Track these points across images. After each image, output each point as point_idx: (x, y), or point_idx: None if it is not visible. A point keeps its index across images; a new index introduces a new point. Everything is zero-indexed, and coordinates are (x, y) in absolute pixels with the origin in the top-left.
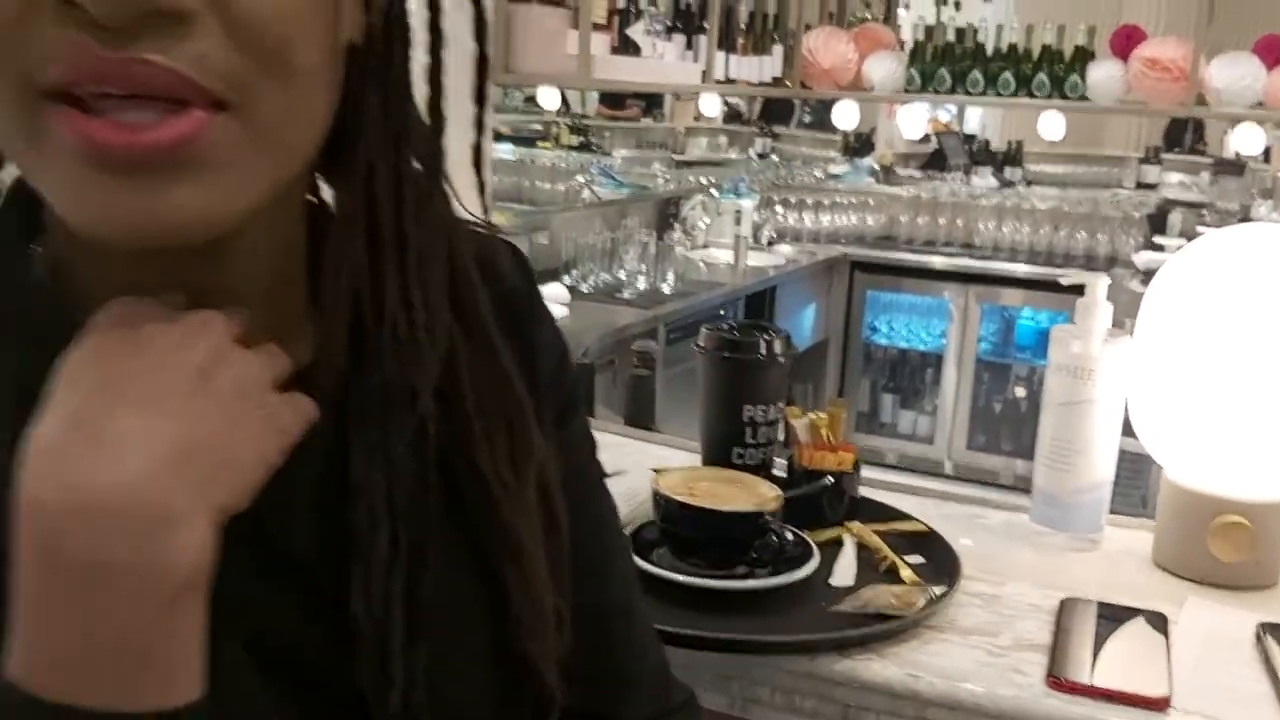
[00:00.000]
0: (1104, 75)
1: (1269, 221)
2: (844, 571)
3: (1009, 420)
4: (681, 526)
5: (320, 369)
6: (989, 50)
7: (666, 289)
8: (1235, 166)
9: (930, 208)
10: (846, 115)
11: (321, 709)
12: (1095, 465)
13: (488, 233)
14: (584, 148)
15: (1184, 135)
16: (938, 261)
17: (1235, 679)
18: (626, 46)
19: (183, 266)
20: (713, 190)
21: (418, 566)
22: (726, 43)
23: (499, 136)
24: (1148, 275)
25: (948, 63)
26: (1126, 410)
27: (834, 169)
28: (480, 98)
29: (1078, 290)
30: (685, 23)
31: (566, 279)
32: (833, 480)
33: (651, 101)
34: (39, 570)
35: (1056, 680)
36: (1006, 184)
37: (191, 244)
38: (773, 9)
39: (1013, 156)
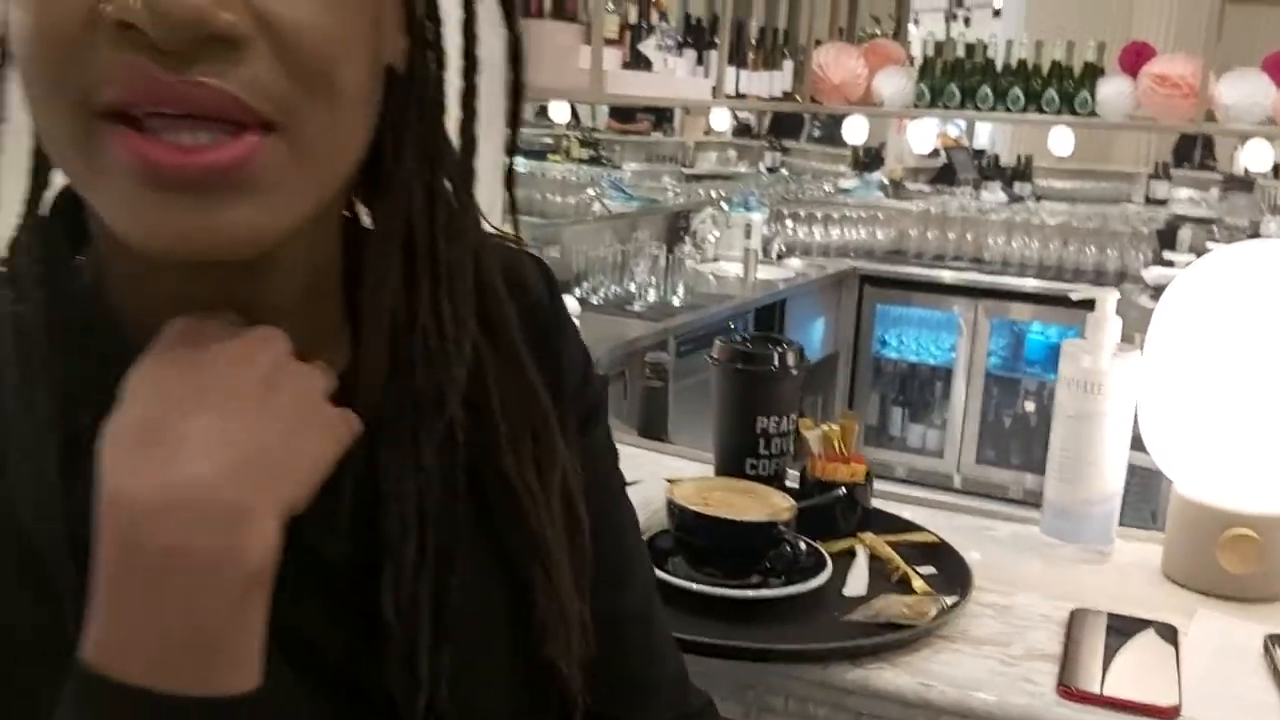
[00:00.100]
0: (1113, 91)
1: (1278, 238)
2: (856, 581)
3: (1018, 435)
4: (696, 536)
5: (360, 382)
6: (998, 66)
7: (676, 302)
8: (1245, 183)
9: (940, 222)
10: (856, 130)
11: (352, 710)
12: (1105, 478)
13: (515, 247)
14: (594, 161)
15: (1193, 151)
16: (947, 276)
17: (1244, 689)
18: (638, 62)
19: (226, 280)
20: (722, 204)
21: (445, 571)
22: (737, 58)
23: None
24: (1157, 291)
25: (957, 78)
26: (1137, 424)
27: (843, 183)
28: (514, 121)
29: (1087, 305)
30: (696, 38)
31: (577, 291)
32: (845, 491)
33: (661, 115)
34: (120, 561)
35: (1067, 689)
36: (1016, 199)
37: (237, 259)
38: (783, 24)
39: (1022, 172)
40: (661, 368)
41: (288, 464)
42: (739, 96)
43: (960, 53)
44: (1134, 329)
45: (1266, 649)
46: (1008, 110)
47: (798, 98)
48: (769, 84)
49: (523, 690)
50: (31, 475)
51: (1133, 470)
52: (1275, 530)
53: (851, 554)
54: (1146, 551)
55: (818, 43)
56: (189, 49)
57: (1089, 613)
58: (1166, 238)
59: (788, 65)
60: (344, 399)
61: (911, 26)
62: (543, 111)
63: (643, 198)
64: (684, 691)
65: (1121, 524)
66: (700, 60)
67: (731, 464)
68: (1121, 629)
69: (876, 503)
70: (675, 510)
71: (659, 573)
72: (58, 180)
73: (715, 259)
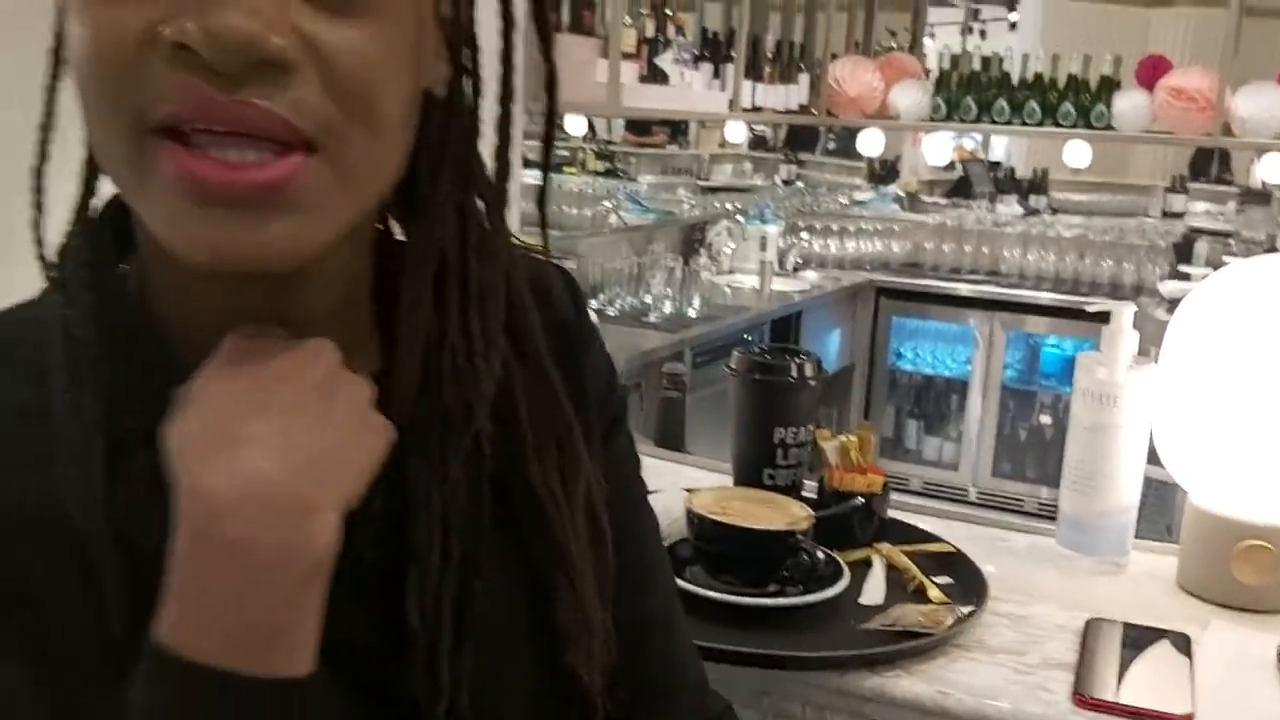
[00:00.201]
0: (1130, 105)
1: None
2: (873, 590)
3: (1034, 447)
4: (715, 544)
5: (395, 397)
6: (1014, 79)
7: (692, 313)
8: (1261, 196)
9: (955, 235)
10: (872, 142)
11: (378, 712)
12: (1120, 489)
13: (542, 258)
14: (610, 174)
15: (1210, 164)
16: (963, 288)
17: (1258, 699)
18: (655, 75)
19: (264, 291)
20: (738, 216)
21: (469, 577)
22: (753, 71)
23: (526, 163)
24: (1173, 304)
25: (973, 91)
26: (1153, 438)
27: (859, 196)
28: (547, 145)
29: (1103, 318)
30: (713, 52)
31: (593, 303)
32: (862, 501)
33: (676, 128)
34: (196, 551)
35: (1082, 698)
36: (1032, 212)
37: (276, 272)
38: (799, 38)
39: (1038, 184)
40: (679, 379)
41: (345, 464)
42: (755, 110)
43: (976, 66)
44: (1150, 342)
45: None
46: (1024, 123)
47: (813, 111)
48: (785, 97)
49: (544, 697)
50: (79, 475)
51: (1149, 483)
52: None
53: (868, 564)
54: (1162, 563)
55: (834, 56)
56: (240, 71)
57: (1104, 623)
58: (1183, 251)
59: (804, 78)
60: (377, 406)
61: (927, 40)
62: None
63: (659, 210)
64: (704, 697)
65: (1137, 537)
66: (716, 74)
67: (749, 474)
68: (1136, 639)
69: (893, 514)
70: (694, 519)
71: (678, 580)
72: (105, 189)
73: (731, 271)
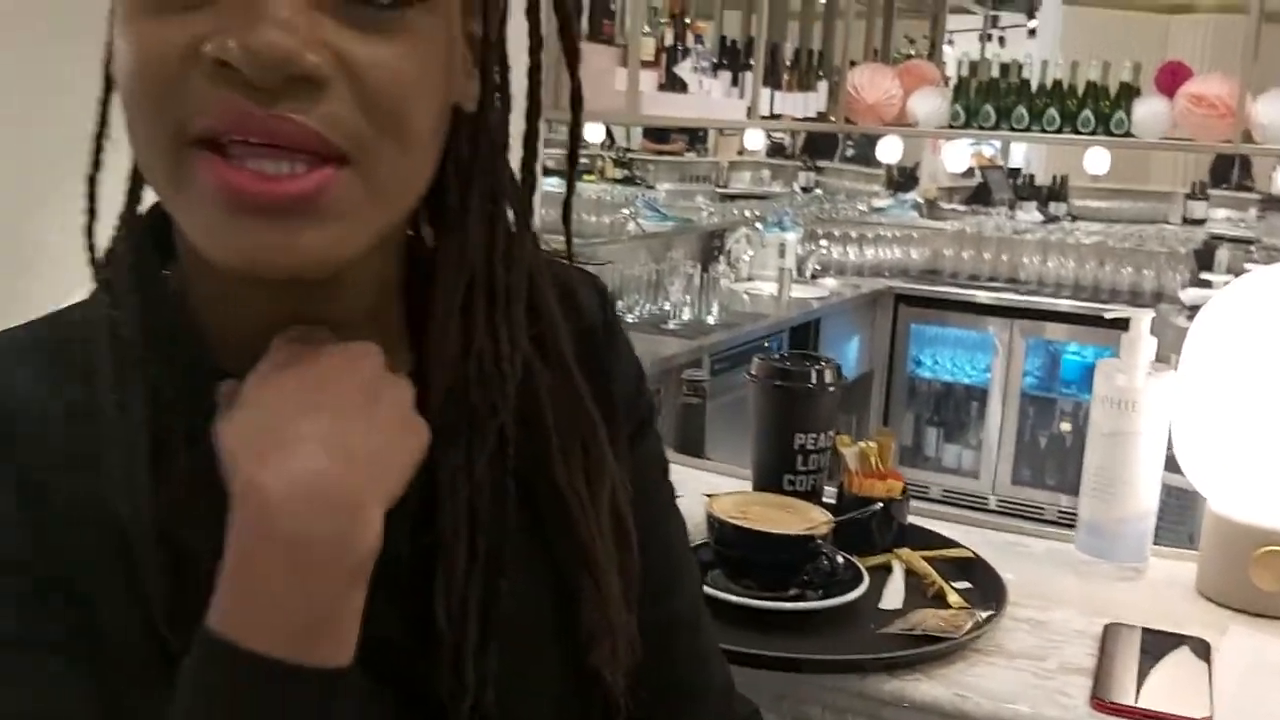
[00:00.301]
0: (1150, 112)
1: None
2: (893, 595)
3: (1054, 455)
4: (735, 548)
5: (426, 398)
6: (1034, 86)
7: (711, 320)
8: None
9: (975, 242)
10: (890, 150)
11: (406, 709)
12: (1139, 495)
13: (572, 264)
14: (628, 181)
15: (1231, 171)
16: (982, 296)
17: (1276, 705)
18: (673, 84)
19: (299, 297)
20: (757, 223)
21: (495, 576)
22: (772, 79)
23: (545, 171)
24: (1194, 311)
25: (992, 99)
26: (1174, 445)
27: (878, 203)
28: (572, 160)
29: (1122, 325)
30: (731, 60)
31: None
32: (881, 506)
33: (695, 135)
34: (250, 544)
35: (1101, 702)
36: (1051, 219)
37: (309, 278)
38: (818, 46)
39: (1057, 191)
40: (700, 385)
41: (389, 463)
42: (774, 117)
43: (995, 73)
44: (1170, 349)
45: None
46: (1043, 131)
47: (832, 118)
48: (803, 105)
49: (568, 697)
50: (124, 473)
51: (1171, 492)
52: None
53: (887, 569)
54: (1181, 569)
55: (852, 63)
56: (277, 86)
57: (1123, 628)
58: (1204, 258)
59: (822, 86)
60: None
61: (946, 47)
62: None
63: (677, 217)
64: (730, 700)
65: (1160, 545)
66: (735, 81)
67: (769, 479)
68: (1155, 644)
69: (912, 520)
70: (715, 523)
71: None
72: (149, 197)
73: (749, 278)
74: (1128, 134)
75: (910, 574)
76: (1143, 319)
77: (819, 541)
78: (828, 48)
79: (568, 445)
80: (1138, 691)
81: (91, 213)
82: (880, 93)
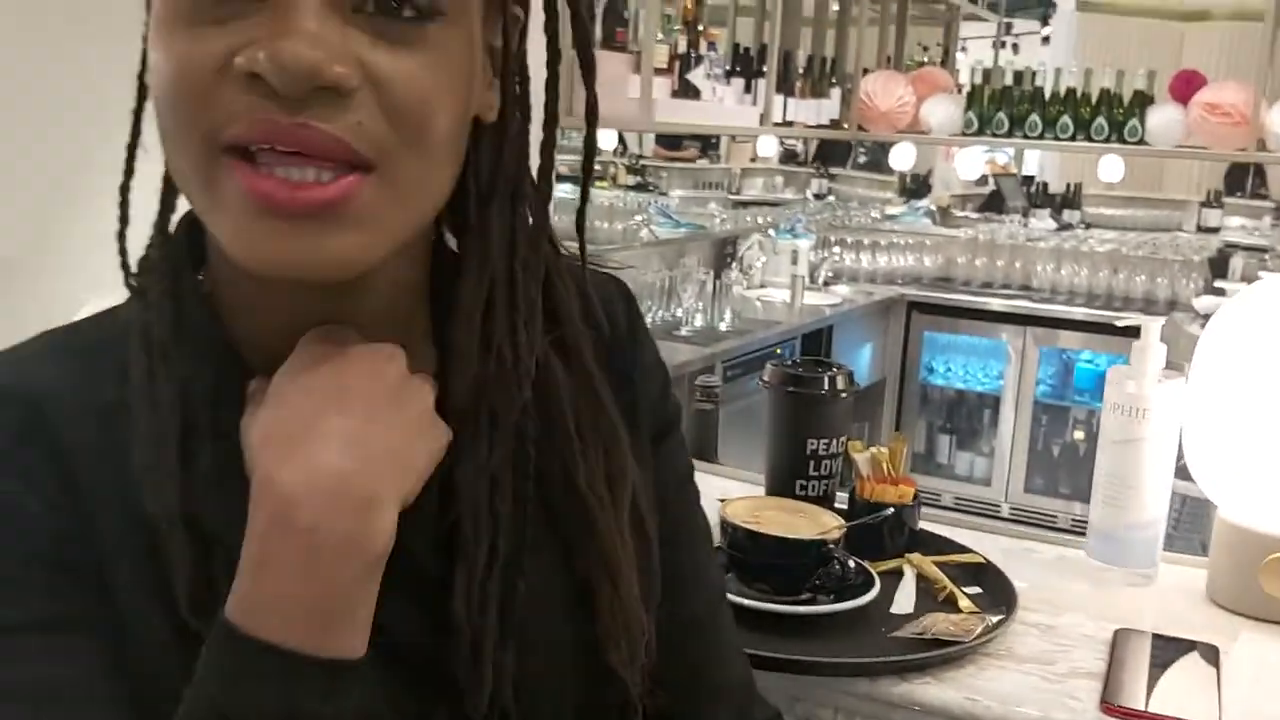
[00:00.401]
0: (1164, 119)
1: None
2: (904, 600)
3: (1067, 463)
4: (748, 553)
5: (448, 399)
6: (1047, 94)
7: (724, 327)
8: None
9: (988, 249)
10: (903, 157)
11: (424, 702)
12: (1149, 502)
13: (596, 269)
14: (641, 188)
15: (1246, 179)
16: (995, 303)
17: None
18: (687, 90)
19: (325, 298)
20: (769, 230)
21: (514, 572)
22: (785, 86)
23: (558, 177)
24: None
25: (1006, 106)
26: (1185, 452)
27: (891, 210)
28: (586, 172)
29: (1134, 333)
30: (744, 67)
31: None
32: (893, 512)
33: (707, 142)
34: (269, 537)
35: (1110, 706)
36: (1065, 226)
37: (335, 281)
38: (830, 53)
39: (1071, 199)
40: (713, 391)
41: (408, 463)
42: (786, 124)
43: (1009, 80)
44: (1184, 358)
45: None
46: (1056, 138)
47: (845, 125)
48: (816, 112)
49: (584, 694)
50: (153, 465)
51: (1183, 500)
52: None
53: (899, 573)
54: (1191, 575)
55: (865, 71)
56: (304, 96)
57: (1133, 633)
58: (1218, 266)
59: (835, 93)
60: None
61: (959, 54)
62: None
63: (690, 224)
64: (749, 700)
65: (1172, 552)
66: (748, 88)
67: (782, 485)
68: (1165, 650)
69: (923, 525)
70: (728, 528)
71: None
72: (181, 205)
73: (762, 285)
74: (1142, 141)
75: (921, 579)
76: (1153, 326)
77: (831, 546)
78: (841, 54)
79: (589, 448)
80: (1147, 696)
81: (124, 219)
82: (893, 100)
